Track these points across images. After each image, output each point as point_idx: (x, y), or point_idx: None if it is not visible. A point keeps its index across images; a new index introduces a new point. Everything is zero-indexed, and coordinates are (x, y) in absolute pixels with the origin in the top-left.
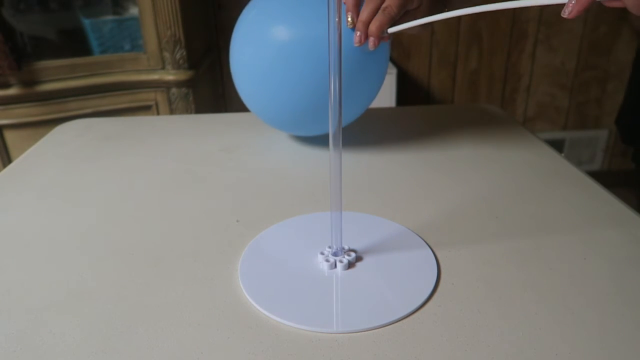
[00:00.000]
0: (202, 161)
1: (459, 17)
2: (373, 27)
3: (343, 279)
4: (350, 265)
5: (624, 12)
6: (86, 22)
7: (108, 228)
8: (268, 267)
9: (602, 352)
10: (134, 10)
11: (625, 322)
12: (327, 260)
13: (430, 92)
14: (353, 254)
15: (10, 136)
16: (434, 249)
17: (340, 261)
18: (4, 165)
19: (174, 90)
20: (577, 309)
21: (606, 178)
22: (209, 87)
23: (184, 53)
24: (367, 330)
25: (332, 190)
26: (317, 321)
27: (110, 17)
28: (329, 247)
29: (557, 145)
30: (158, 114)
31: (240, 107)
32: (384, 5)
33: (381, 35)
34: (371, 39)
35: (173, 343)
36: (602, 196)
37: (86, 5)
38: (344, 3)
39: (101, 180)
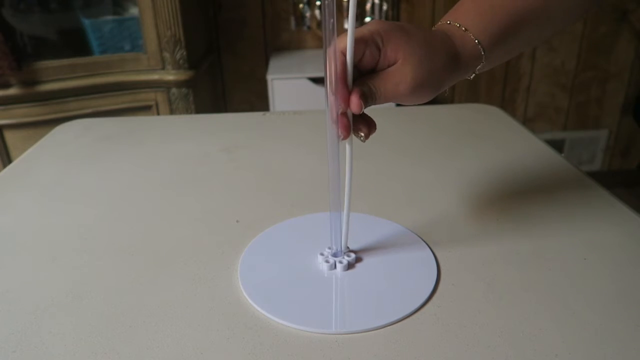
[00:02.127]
0: (202, 161)
1: None
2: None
3: (343, 280)
4: (350, 266)
5: (624, 12)
6: (86, 22)
7: (108, 228)
8: (268, 267)
9: (602, 352)
10: (134, 10)
11: (625, 322)
12: (327, 261)
13: None
14: (353, 255)
15: (10, 136)
16: (434, 249)
17: (340, 262)
18: (4, 165)
19: (174, 90)
20: (577, 309)
21: (606, 178)
22: (209, 87)
23: (184, 53)
24: (367, 331)
25: (331, 191)
26: (317, 322)
27: (110, 17)
28: (329, 248)
29: (557, 146)
30: (158, 114)
31: (240, 107)
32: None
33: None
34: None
35: (173, 343)
36: (602, 196)
37: (86, 6)
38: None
39: (101, 180)
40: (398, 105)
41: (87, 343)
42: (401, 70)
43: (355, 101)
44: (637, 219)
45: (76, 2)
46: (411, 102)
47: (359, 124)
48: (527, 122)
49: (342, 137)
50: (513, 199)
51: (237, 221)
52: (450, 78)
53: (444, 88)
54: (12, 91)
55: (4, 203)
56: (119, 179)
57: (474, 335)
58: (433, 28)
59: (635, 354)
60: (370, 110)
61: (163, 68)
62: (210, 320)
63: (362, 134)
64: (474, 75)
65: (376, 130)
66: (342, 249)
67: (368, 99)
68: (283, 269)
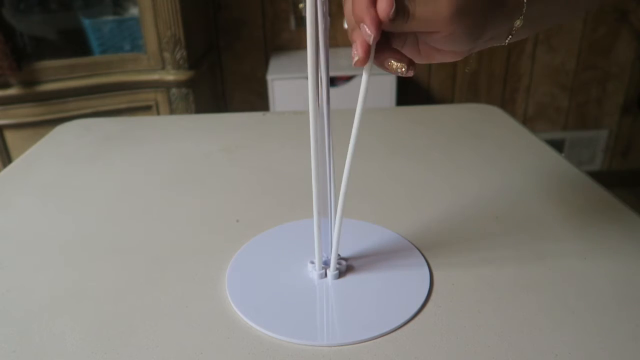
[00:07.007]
0: (202, 161)
1: None
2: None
3: (333, 289)
4: (341, 274)
5: (624, 12)
6: (86, 22)
7: (108, 228)
8: (256, 276)
9: (602, 352)
10: (134, 11)
11: (625, 322)
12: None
13: (430, 92)
14: (344, 263)
15: (10, 136)
16: (434, 249)
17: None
18: (4, 165)
19: (174, 90)
20: (577, 309)
21: (606, 178)
22: (209, 87)
23: (184, 53)
24: (358, 343)
25: (315, 196)
26: (305, 334)
27: (110, 17)
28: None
29: (557, 145)
30: (158, 114)
31: (240, 107)
32: None
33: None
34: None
35: (172, 343)
36: (602, 196)
37: (86, 6)
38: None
39: (101, 180)
40: (399, 105)
41: (87, 343)
42: None
43: (384, 4)
44: (637, 219)
45: (76, 2)
46: (449, 40)
47: (389, 54)
48: (527, 122)
49: (357, 56)
50: (513, 198)
51: (237, 221)
52: (494, 18)
53: (485, 33)
54: (12, 91)
55: (4, 203)
56: (118, 179)
57: (474, 335)
58: None
59: (635, 354)
60: (369, 111)
61: (163, 68)
62: (210, 320)
63: (403, 65)
64: (510, 38)
65: (378, 128)
66: (332, 256)
67: (399, 11)
68: (272, 278)
